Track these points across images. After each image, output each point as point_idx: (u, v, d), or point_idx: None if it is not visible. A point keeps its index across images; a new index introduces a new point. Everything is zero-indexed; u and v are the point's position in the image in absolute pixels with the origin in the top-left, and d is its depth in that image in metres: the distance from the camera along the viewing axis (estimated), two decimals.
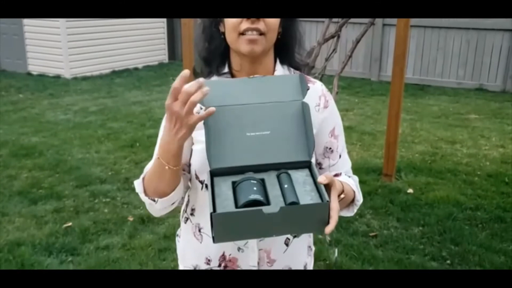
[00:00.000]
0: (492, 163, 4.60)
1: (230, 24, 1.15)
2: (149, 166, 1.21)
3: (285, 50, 1.25)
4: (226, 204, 0.98)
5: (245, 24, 1.13)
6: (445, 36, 8.05)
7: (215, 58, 1.22)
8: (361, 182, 4.38)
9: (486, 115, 6.37)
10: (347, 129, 5.57)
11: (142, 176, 1.20)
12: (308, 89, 1.14)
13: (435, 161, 4.67)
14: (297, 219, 0.95)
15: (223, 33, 1.20)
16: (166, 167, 1.09)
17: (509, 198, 3.82)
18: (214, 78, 1.24)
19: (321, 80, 3.03)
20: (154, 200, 1.18)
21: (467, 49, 7.94)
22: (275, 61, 1.25)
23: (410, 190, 3.96)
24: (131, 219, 3.49)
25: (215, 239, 0.96)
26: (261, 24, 1.13)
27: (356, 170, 4.54)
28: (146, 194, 1.19)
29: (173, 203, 1.21)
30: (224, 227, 0.95)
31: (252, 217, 0.94)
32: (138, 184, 1.20)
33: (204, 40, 1.24)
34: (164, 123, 1.22)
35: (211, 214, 0.93)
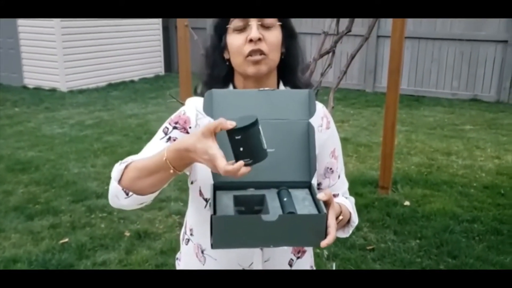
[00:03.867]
0: (488, 174, 4.63)
1: (234, 48, 1.18)
2: (136, 158, 1.17)
3: (288, 70, 1.27)
4: (227, 211, 1.02)
5: (248, 46, 1.16)
6: (439, 47, 8.12)
7: (217, 83, 1.24)
8: (357, 195, 4.36)
9: (481, 126, 6.41)
10: (343, 141, 5.58)
11: (125, 163, 1.15)
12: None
13: (431, 172, 4.69)
14: (294, 229, 0.98)
15: (228, 60, 1.22)
16: (171, 171, 1.06)
17: (505, 210, 3.84)
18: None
19: (316, 94, 3.05)
20: (127, 194, 1.14)
21: (461, 60, 8.01)
22: (278, 82, 1.28)
23: (407, 203, 3.97)
24: (127, 234, 3.48)
25: (213, 245, 0.98)
26: (262, 45, 1.16)
27: (352, 182, 4.56)
28: (120, 183, 1.15)
29: (141, 203, 1.18)
30: (223, 231, 0.97)
31: (250, 223, 0.97)
32: (118, 170, 1.15)
33: (206, 66, 1.26)
34: (163, 127, 1.23)
35: (211, 216, 0.96)
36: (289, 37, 1.24)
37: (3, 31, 8.79)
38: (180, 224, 3.59)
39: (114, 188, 1.16)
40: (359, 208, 3.75)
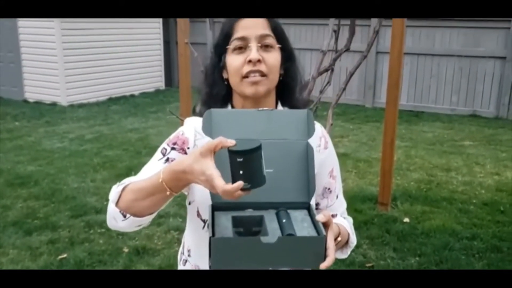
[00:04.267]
0: (487, 191, 4.62)
1: (233, 69, 1.19)
2: (133, 180, 1.17)
3: (286, 91, 1.28)
4: (225, 233, 1.02)
5: (247, 67, 1.17)
6: (438, 63, 8.17)
7: (216, 103, 1.25)
8: (357, 211, 4.31)
9: (480, 142, 6.42)
10: (343, 156, 5.60)
11: (123, 185, 1.15)
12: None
13: (430, 189, 4.68)
14: (293, 251, 0.97)
15: (227, 79, 1.23)
16: (167, 193, 1.06)
17: (505, 227, 3.83)
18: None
19: (315, 111, 3.07)
20: (124, 216, 1.14)
21: (460, 76, 8.05)
22: (277, 103, 1.28)
23: (406, 219, 3.96)
24: (126, 250, 3.47)
25: (212, 267, 0.97)
26: (262, 66, 1.17)
27: (352, 198, 4.53)
28: (118, 205, 1.14)
29: (139, 226, 1.18)
30: (221, 253, 0.96)
31: (249, 245, 0.96)
32: (115, 192, 1.14)
33: (205, 84, 1.27)
34: (161, 148, 1.24)
35: (210, 238, 0.95)
36: (288, 59, 1.25)
37: (4, 45, 8.86)
38: (179, 241, 3.57)
39: (111, 210, 1.16)
40: (359, 224, 3.78)
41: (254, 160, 0.96)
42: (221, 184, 0.94)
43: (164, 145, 1.24)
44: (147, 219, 1.17)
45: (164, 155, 1.22)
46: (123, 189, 1.14)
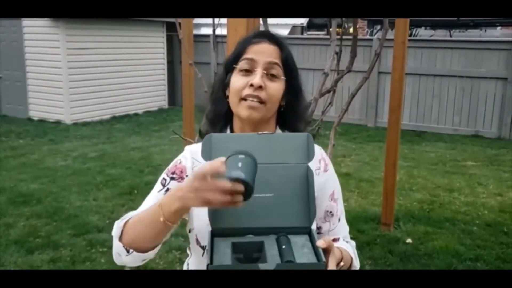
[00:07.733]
0: (490, 212, 4.61)
1: (234, 88, 1.20)
2: (135, 214, 1.17)
3: (286, 123, 1.28)
4: (224, 260, 0.99)
5: (247, 90, 1.18)
6: (439, 83, 8.22)
7: (219, 120, 1.26)
8: (359, 232, 4.27)
9: (483, 162, 6.42)
10: (345, 176, 5.60)
11: (125, 219, 1.15)
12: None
13: (433, 209, 4.67)
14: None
15: (228, 97, 1.24)
16: (161, 218, 1.04)
17: (509, 248, 3.80)
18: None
19: (318, 131, 3.08)
20: (127, 251, 1.13)
21: (462, 96, 8.09)
22: (276, 127, 1.28)
23: (409, 240, 3.94)
24: (127, 269, 3.45)
25: None
26: (262, 93, 1.17)
27: (354, 218, 4.49)
28: (121, 240, 1.14)
29: (143, 260, 1.17)
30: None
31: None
32: (118, 227, 1.15)
33: (210, 101, 1.28)
34: (160, 179, 1.24)
35: (207, 265, 0.94)
36: (291, 93, 1.25)
37: (11, 63, 8.96)
38: (181, 260, 3.56)
39: (115, 246, 1.15)
40: (361, 245, 3.76)
41: (253, 164, 0.98)
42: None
43: (163, 175, 1.25)
44: (150, 254, 1.16)
45: (164, 185, 1.23)
46: (125, 223, 1.14)
